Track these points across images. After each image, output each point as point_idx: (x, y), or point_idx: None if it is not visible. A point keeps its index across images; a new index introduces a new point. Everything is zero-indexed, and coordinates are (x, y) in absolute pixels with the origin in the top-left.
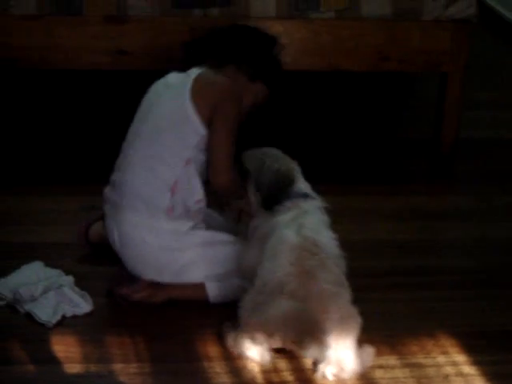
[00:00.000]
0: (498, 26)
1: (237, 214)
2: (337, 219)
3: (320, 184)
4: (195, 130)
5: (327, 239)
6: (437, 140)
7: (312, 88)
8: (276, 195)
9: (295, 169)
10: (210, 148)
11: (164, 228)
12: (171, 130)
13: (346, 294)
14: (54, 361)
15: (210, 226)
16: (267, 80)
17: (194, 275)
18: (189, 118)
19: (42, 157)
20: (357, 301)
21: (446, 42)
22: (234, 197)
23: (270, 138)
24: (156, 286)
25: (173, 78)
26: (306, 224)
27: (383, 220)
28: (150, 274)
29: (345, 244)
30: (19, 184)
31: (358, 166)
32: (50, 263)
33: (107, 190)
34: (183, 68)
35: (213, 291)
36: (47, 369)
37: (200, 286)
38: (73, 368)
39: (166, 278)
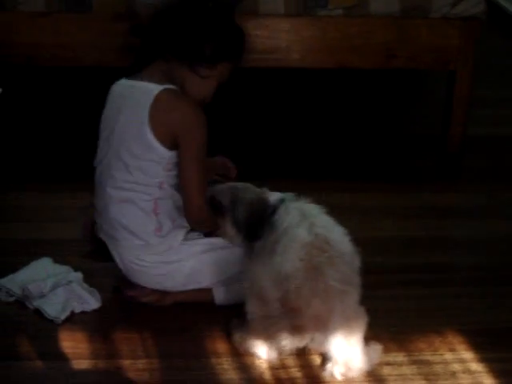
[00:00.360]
0: (506, 24)
1: None
2: (345, 216)
3: (328, 181)
4: (159, 155)
5: (339, 236)
6: (444, 137)
7: (320, 85)
8: (256, 226)
9: (266, 195)
10: (180, 182)
11: (159, 247)
12: (138, 157)
13: (353, 293)
14: (62, 357)
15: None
16: (231, 57)
17: (200, 283)
18: (151, 145)
19: (50, 154)
20: (364, 298)
21: (454, 39)
22: (208, 230)
23: (278, 135)
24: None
25: (133, 86)
26: (316, 222)
27: (391, 217)
28: (156, 286)
29: (353, 241)
30: (28, 181)
31: (366, 163)
32: (58, 259)
33: (96, 216)
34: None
35: (219, 295)
36: (56, 365)
37: (206, 290)
38: (81, 364)
39: (172, 288)
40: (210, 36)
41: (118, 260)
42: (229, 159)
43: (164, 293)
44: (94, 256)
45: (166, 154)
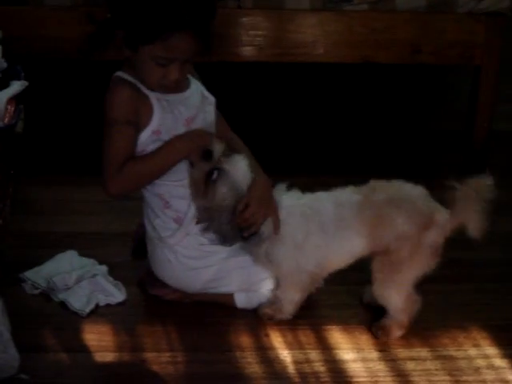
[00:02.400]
0: None
1: None
2: None
3: (352, 176)
4: None
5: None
6: (469, 133)
7: (346, 81)
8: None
9: None
10: None
11: (184, 252)
12: None
13: None
14: (87, 349)
15: None
16: (145, 41)
17: (223, 288)
18: None
19: (76, 148)
20: None
21: (479, 34)
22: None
23: (303, 130)
24: None
25: None
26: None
27: None
28: (179, 287)
29: None
30: (54, 175)
31: (390, 158)
32: (83, 252)
33: None
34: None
35: (241, 301)
36: (80, 357)
37: (229, 294)
38: (106, 356)
39: (193, 290)
40: (123, 19)
41: (148, 255)
42: None
43: (185, 292)
44: (119, 249)
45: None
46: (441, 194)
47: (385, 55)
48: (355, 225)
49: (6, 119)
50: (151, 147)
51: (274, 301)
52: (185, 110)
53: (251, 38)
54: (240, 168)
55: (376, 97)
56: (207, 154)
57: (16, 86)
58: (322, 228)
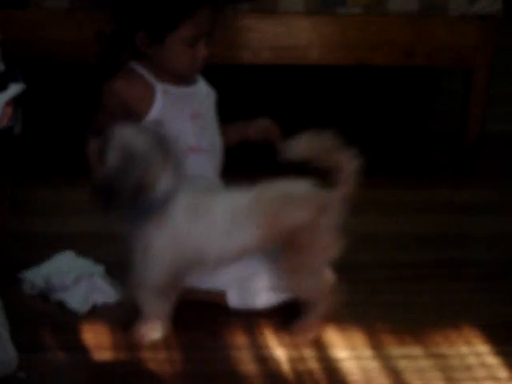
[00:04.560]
0: None
1: None
2: (361, 212)
3: None
4: None
5: None
6: (461, 134)
7: (339, 83)
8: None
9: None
10: None
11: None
12: None
13: None
14: (84, 348)
15: None
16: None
17: (215, 283)
18: None
19: (74, 149)
20: (381, 292)
21: (471, 37)
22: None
23: (297, 131)
24: None
25: None
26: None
27: (407, 213)
28: None
29: (369, 236)
30: (51, 176)
31: (383, 158)
32: (81, 253)
33: None
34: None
35: (234, 300)
36: (78, 356)
37: (220, 293)
38: (103, 355)
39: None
40: (143, 18)
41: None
42: (270, 120)
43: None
44: (115, 250)
45: None
46: (431, 193)
47: (378, 58)
48: (248, 218)
49: (4, 121)
50: None
51: (142, 319)
52: (192, 104)
53: (247, 41)
54: (130, 134)
55: (370, 99)
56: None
57: (14, 89)
58: (210, 223)
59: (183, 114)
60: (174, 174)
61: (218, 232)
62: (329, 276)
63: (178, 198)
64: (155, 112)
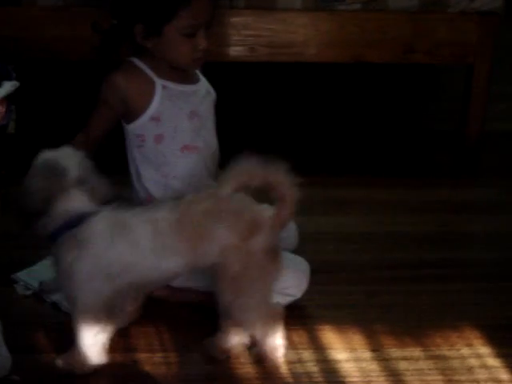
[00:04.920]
0: None
1: None
2: (361, 211)
3: (345, 176)
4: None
5: None
6: (462, 132)
7: (338, 80)
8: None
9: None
10: None
11: None
12: None
13: None
14: None
15: None
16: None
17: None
18: None
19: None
20: (381, 293)
21: (472, 34)
22: None
23: (293, 129)
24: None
25: None
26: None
27: (408, 212)
28: None
29: (369, 236)
30: None
31: (382, 157)
32: None
33: None
34: None
35: None
36: None
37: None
38: None
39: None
40: (140, 10)
41: None
42: None
43: (174, 290)
44: None
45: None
46: (431, 193)
47: (377, 55)
48: (172, 243)
49: None
50: (151, 133)
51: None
52: (191, 102)
53: (243, 37)
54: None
55: (369, 96)
56: None
57: (7, 87)
58: (132, 244)
59: (181, 112)
60: (90, 195)
61: (142, 253)
62: (277, 305)
63: (95, 219)
64: (153, 108)
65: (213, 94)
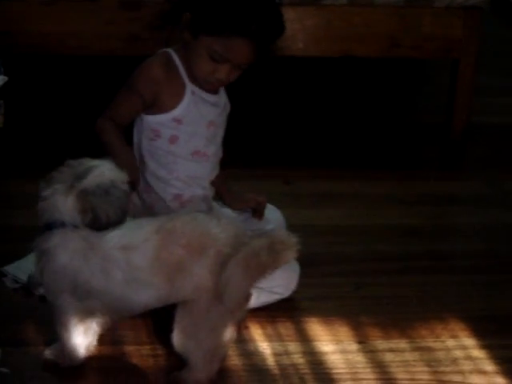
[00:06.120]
0: (509, 13)
1: None
2: (348, 204)
3: (332, 169)
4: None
5: None
6: (448, 126)
7: (324, 74)
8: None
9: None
10: None
11: None
12: None
13: None
14: None
15: None
16: (212, 31)
17: None
18: None
19: (58, 142)
20: (367, 285)
21: (457, 28)
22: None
23: (282, 124)
24: None
25: None
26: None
27: (394, 205)
28: None
29: (355, 229)
30: (34, 169)
31: (369, 151)
32: None
33: None
34: None
35: None
36: None
37: None
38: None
39: None
40: (195, 3)
41: None
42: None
43: None
44: None
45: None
46: (418, 186)
47: (364, 49)
48: (146, 275)
49: None
50: (168, 132)
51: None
52: (212, 112)
53: None
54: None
55: (355, 90)
56: None
57: None
58: (103, 272)
59: (202, 119)
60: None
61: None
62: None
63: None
64: (179, 110)
65: (228, 108)
